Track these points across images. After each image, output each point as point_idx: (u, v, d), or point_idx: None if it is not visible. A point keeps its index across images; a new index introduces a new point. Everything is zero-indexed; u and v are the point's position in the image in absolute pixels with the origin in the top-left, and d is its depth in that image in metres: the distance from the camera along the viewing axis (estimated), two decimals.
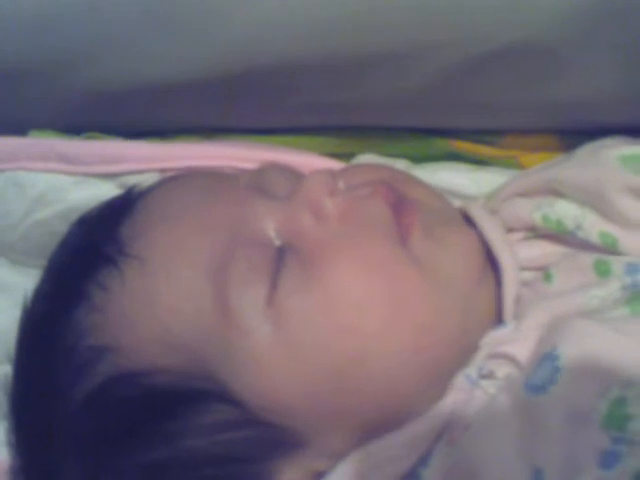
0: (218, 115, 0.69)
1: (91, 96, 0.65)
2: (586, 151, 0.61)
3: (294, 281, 0.52)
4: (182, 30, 0.60)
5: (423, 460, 0.51)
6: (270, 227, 0.55)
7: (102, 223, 0.58)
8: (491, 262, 0.58)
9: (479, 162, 0.70)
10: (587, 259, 0.56)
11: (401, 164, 0.69)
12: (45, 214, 0.67)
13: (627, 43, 0.58)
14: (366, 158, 0.70)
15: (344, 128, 0.71)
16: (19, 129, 0.69)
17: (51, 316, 0.56)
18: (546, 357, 0.50)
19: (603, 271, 0.55)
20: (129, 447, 0.53)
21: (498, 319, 0.56)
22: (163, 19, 0.59)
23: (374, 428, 0.52)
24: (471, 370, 0.52)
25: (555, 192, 0.59)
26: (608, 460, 0.46)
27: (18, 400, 0.58)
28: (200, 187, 0.59)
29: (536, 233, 0.60)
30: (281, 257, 0.53)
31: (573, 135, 0.67)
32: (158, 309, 0.53)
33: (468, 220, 0.61)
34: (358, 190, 0.57)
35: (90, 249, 0.56)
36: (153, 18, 0.59)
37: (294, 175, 0.60)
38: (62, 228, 0.61)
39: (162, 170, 0.67)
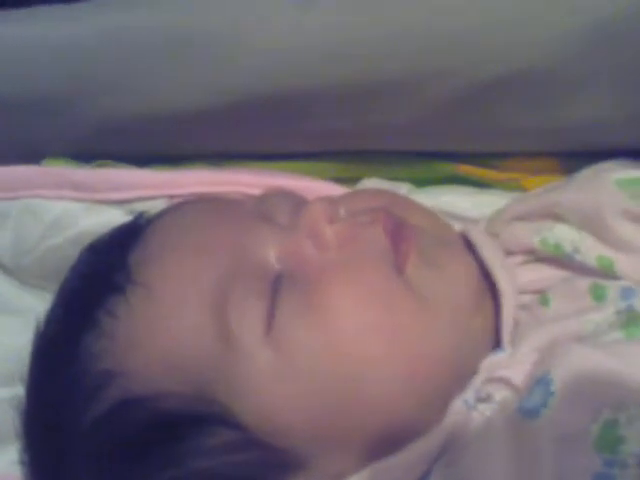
0: (226, 142, 0.70)
1: (102, 125, 0.66)
2: (585, 175, 0.62)
3: (293, 308, 0.53)
4: (191, 63, 0.62)
5: None
6: (271, 254, 0.56)
7: (111, 250, 0.60)
8: (490, 285, 0.58)
9: (481, 185, 0.70)
10: (583, 283, 0.57)
11: (405, 188, 0.69)
12: (58, 240, 0.68)
13: (626, 68, 0.59)
14: (370, 182, 0.70)
15: (349, 153, 0.71)
16: (33, 157, 0.70)
17: (62, 341, 0.58)
18: (539, 381, 0.51)
19: (599, 295, 0.56)
20: (136, 469, 0.54)
21: (496, 341, 0.57)
22: (173, 51, 0.61)
23: (374, 450, 0.53)
24: (469, 395, 0.53)
25: (554, 216, 0.60)
26: None
27: (30, 422, 0.60)
28: (205, 215, 0.60)
29: (535, 256, 0.61)
30: (280, 284, 0.54)
31: (574, 158, 0.67)
32: (162, 335, 0.54)
33: (468, 244, 0.61)
34: (359, 217, 0.58)
35: (99, 276, 0.58)
36: (163, 51, 0.61)
37: (298, 201, 0.60)
38: (74, 253, 0.63)
39: (171, 196, 0.68)
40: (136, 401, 0.53)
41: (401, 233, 0.57)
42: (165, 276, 0.56)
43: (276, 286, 0.54)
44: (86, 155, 0.71)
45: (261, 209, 0.59)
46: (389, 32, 0.59)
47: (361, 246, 0.56)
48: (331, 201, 0.58)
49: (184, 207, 0.63)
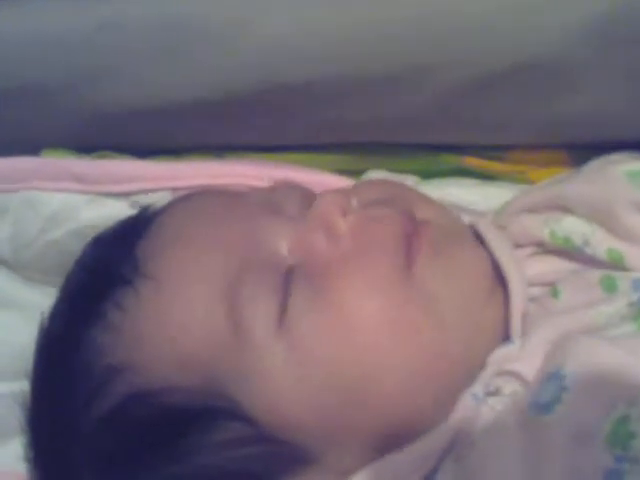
0: (229, 133, 0.70)
1: (102, 116, 0.66)
2: (593, 167, 0.62)
3: (304, 301, 0.53)
4: (190, 55, 0.62)
5: (431, 476, 0.52)
6: (282, 246, 0.56)
7: (118, 243, 0.59)
8: (499, 278, 0.58)
9: (488, 177, 0.70)
10: (594, 275, 0.57)
11: (411, 180, 0.69)
12: (58, 233, 0.67)
13: (634, 59, 0.59)
14: (376, 174, 0.70)
15: (354, 145, 0.71)
16: (32, 148, 0.70)
17: (68, 335, 0.57)
18: (552, 376, 0.50)
19: (609, 287, 0.56)
20: (144, 464, 0.53)
21: (506, 334, 0.56)
22: (172, 42, 0.61)
23: (383, 445, 0.52)
24: (478, 388, 0.53)
25: (563, 208, 0.60)
26: (612, 478, 0.46)
27: (35, 417, 0.59)
28: (213, 207, 0.60)
29: (544, 249, 0.60)
30: (293, 277, 0.54)
31: (581, 150, 0.67)
32: (172, 328, 0.54)
33: (477, 236, 0.61)
34: (371, 209, 0.57)
35: (106, 269, 0.57)
36: (162, 43, 0.61)
37: (305, 193, 0.60)
38: (75, 246, 0.62)
39: (174, 189, 0.68)
40: (144, 395, 0.53)
41: (415, 230, 0.56)
42: (175, 269, 0.55)
43: (288, 279, 0.54)
44: (85, 147, 0.71)
45: (269, 201, 0.59)
46: (390, 21, 0.59)
47: (373, 240, 0.55)
48: (343, 192, 0.58)
49: (191, 199, 0.62)
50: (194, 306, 0.54)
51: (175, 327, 0.54)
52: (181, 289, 0.54)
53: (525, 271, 0.59)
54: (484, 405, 0.52)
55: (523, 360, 0.53)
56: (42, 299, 0.62)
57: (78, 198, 0.68)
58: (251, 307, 0.53)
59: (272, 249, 0.55)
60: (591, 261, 0.58)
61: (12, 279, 0.70)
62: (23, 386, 0.60)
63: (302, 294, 0.53)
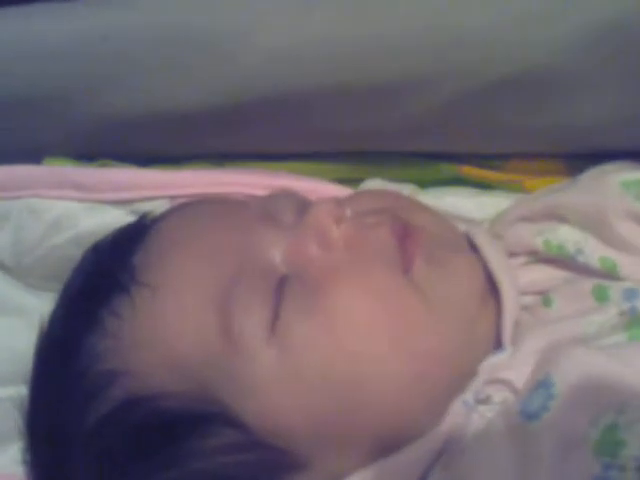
0: (226, 142, 0.70)
1: (103, 125, 0.66)
2: (589, 176, 0.62)
3: (297, 309, 0.53)
4: (190, 62, 0.62)
5: None
6: (277, 255, 0.56)
7: (116, 250, 0.60)
8: (492, 286, 0.58)
9: (484, 186, 0.70)
10: (586, 284, 0.57)
11: (408, 189, 0.69)
12: (59, 239, 0.68)
13: (630, 69, 0.59)
14: (374, 183, 0.70)
15: (353, 154, 0.71)
16: (34, 156, 0.70)
17: (66, 341, 0.58)
18: (541, 384, 0.51)
19: (601, 297, 0.56)
20: (138, 469, 0.54)
21: (497, 342, 0.56)
22: (173, 52, 0.62)
23: (375, 451, 0.53)
24: (468, 396, 0.53)
25: (558, 217, 0.60)
26: None
27: (33, 422, 0.60)
28: (210, 215, 0.60)
29: (538, 257, 0.61)
30: (286, 285, 0.54)
31: (578, 160, 0.67)
32: (166, 336, 0.54)
33: (472, 244, 0.61)
34: (365, 218, 0.57)
35: (104, 276, 0.58)
36: (162, 50, 0.62)
37: (302, 202, 0.60)
38: (75, 253, 0.63)
39: (173, 197, 0.68)
40: (139, 401, 0.53)
41: (408, 234, 0.56)
42: (170, 277, 0.56)
43: (281, 286, 0.54)
44: (87, 154, 0.71)
45: (265, 209, 0.59)
46: (390, 31, 0.59)
47: (368, 247, 0.55)
48: (337, 202, 0.58)
49: (188, 208, 0.63)
50: (187, 313, 0.54)
51: (169, 334, 0.54)
52: (175, 296, 0.55)
53: (518, 280, 0.59)
54: (474, 412, 0.53)
55: (514, 368, 0.53)
56: (42, 305, 0.62)
57: (78, 206, 0.68)
58: (243, 314, 0.53)
59: (266, 257, 0.56)
60: (584, 270, 0.58)
61: (13, 285, 0.70)
62: (23, 391, 0.60)
63: (295, 302, 0.53)
